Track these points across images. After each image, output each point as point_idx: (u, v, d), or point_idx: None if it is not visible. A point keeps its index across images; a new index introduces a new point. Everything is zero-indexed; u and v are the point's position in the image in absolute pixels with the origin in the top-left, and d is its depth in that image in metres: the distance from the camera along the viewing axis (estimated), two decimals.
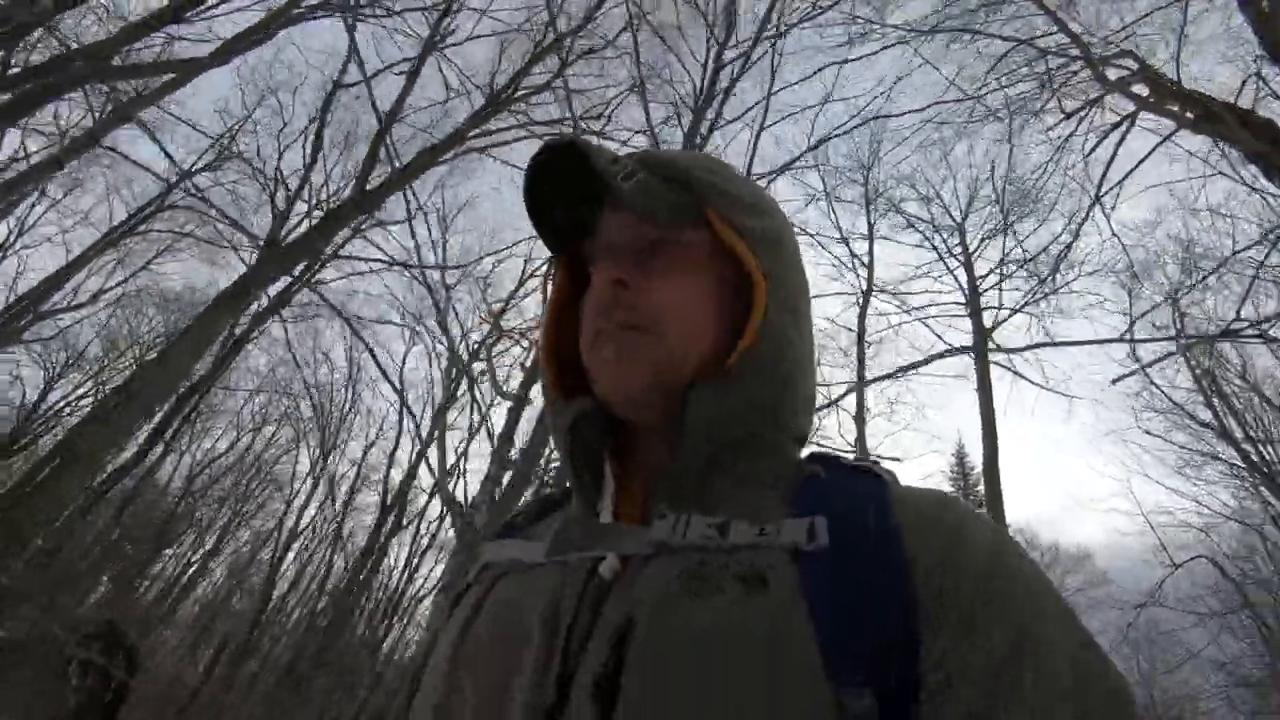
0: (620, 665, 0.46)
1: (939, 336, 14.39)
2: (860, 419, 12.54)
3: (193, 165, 13.91)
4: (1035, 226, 13.56)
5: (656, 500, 0.57)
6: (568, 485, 0.69)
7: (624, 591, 0.50)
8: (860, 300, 13.80)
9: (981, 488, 13.30)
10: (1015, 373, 13.54)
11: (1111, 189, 9.36)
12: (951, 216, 15.50)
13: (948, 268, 15.00)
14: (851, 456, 0.66)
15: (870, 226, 14.27)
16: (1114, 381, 10.46)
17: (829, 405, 11.39)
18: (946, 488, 16.47)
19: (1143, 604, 13.65)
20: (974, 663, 0.44)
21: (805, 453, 0.65)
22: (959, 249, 15.07)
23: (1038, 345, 13.05)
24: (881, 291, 14.12)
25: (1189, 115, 7.63)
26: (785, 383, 0.62)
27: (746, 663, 0.44)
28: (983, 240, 14.92)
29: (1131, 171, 9.18)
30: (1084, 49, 8.63)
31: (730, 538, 0.51)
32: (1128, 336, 10.44)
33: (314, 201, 13.55)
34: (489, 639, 0.55)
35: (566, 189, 0.66)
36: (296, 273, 11.82)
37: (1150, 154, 8.82)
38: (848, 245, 14.40)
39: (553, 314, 0.71)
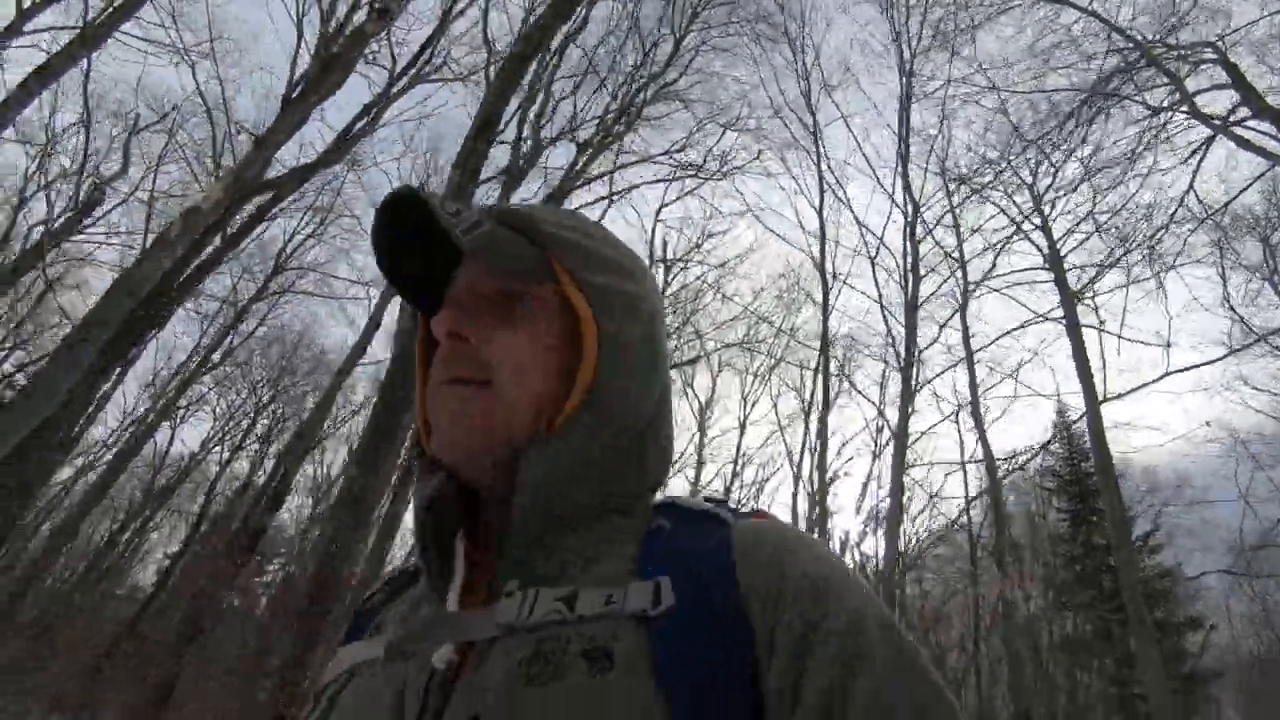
0: None
1: (1023, 305, 14.38)
2: (977, 418, 12.70)
3: None
4: (1113, 184, 13.13)
5: (502, 576, 0.54)
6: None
7: (469, 684, 0.48)
8: (960, 298, 13.79)
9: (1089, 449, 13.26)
10: (1112, 334, 13.26)
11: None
12: (1020, 177, 15.07)
13: (1023, 232, 14.77)
14: (701, 498, 0.63)
15: (955, 218, 14.25)
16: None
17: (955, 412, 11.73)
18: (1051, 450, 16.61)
19: (1260, 546, 13.47)
20: (809, 688, 0.45)
21: (658, 501, 0.64)
22: (1033, 213, 14.78)
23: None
24: (975, 286, 14.05)
25: None
26: (618, 439, 0.60)
27: None
28: (1056, 200, 14.50)
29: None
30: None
31: (578, 609, 0.49)
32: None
33: None
34: None
35: (423, 243, 0.65)
36: None
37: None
38: (944, 252, 14.29)
39: (423, 374, 0.68)
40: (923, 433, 15.05)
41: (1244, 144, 8.54)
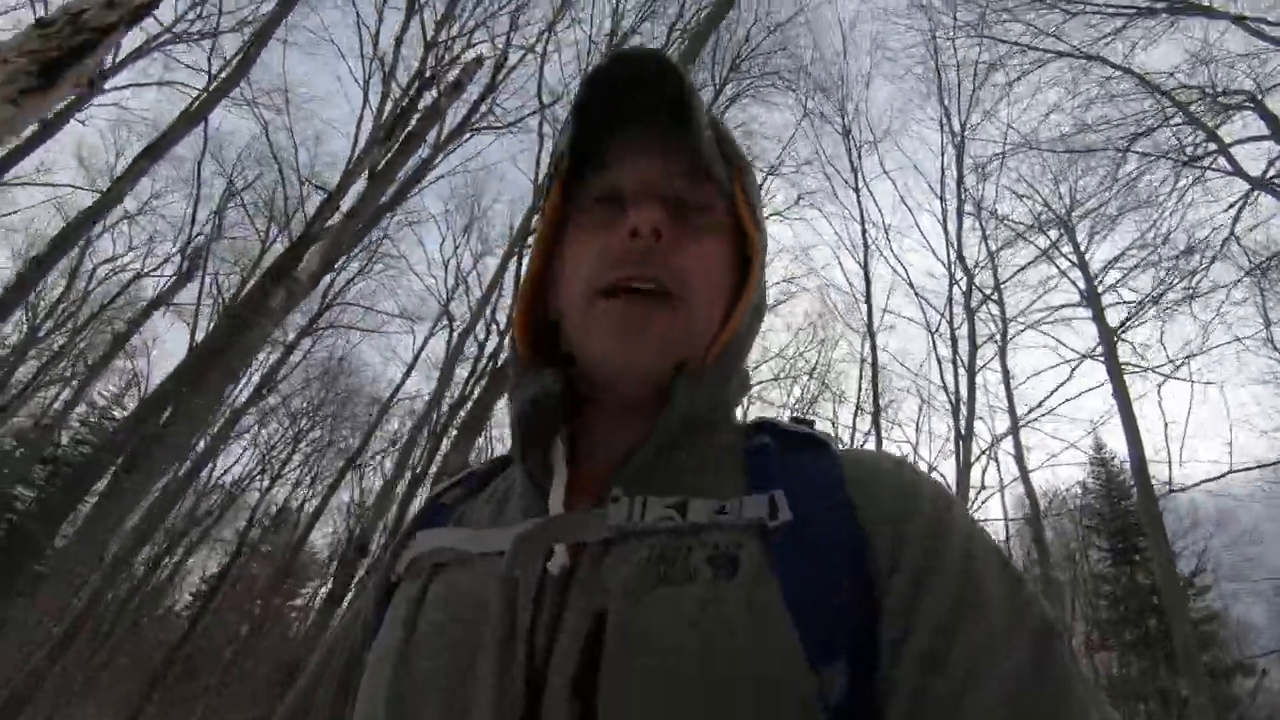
0: (595, 663, 0.43)
1: (1060, 342, 14.41)
2: (1021, 461, 12.73)
3: None
4: (1152, 225, 13.17)
5: (613, 482, 0.53)
6: (496, 457, 0.67)
7: (588, 583, 0.48)
8: (999, 339, 13.90)
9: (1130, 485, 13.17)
10: (1154, 371, 13.20)
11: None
12: (1053, 211, 15.16)
13: (1059, 269, 14.85)
14: (788, 417, 0.62)
15: (992, 256, 14.46)
16: None
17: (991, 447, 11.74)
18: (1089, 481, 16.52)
19: None
20: (924, 612, 0.45)
21: (750, 419, 0.64)
22: (1069, 250, 14.85)
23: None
24: (1012, 320, 14.15)
25: None
26: (743, 364, 0.63)
27: (728, 651, 0.43)
28: (1092, 236, 14.56)
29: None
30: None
31: (690, 517, 0.49)
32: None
33: None
34: (438, 642, 0.50)
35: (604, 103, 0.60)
36: None
37: None
38: (979, 292, 14.42)
39: (542, 252, 0.64)
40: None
41: None
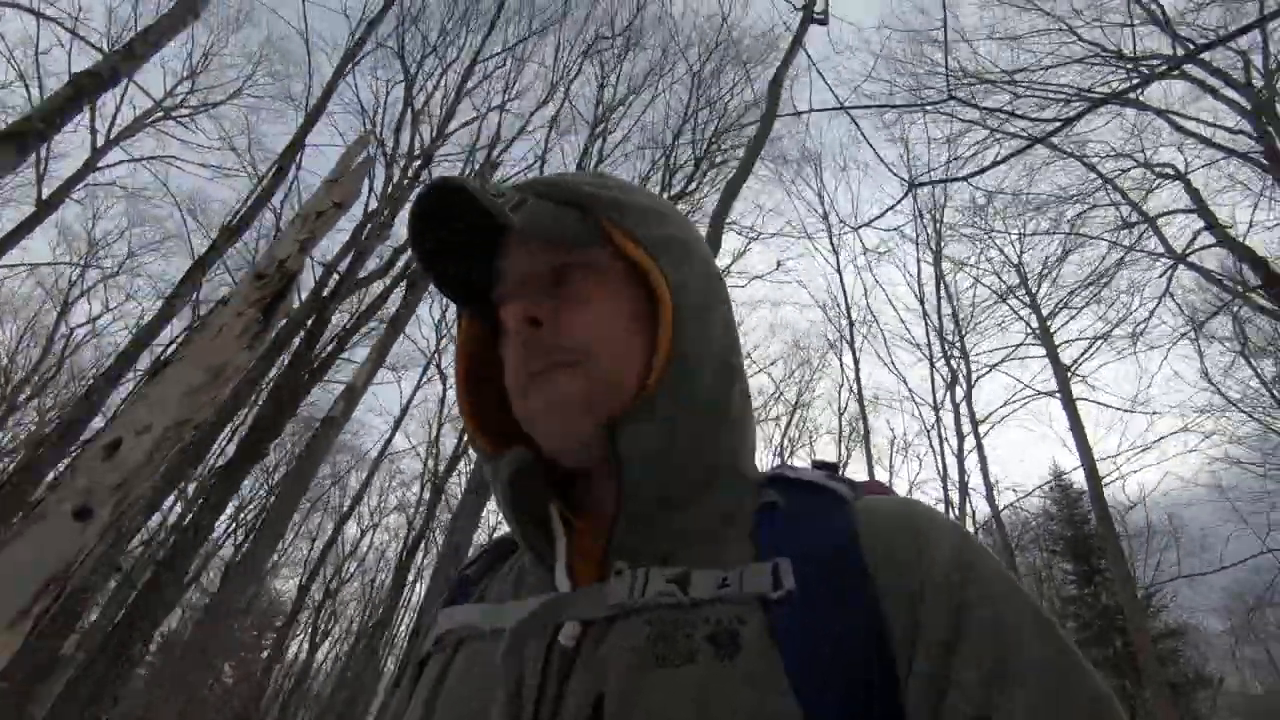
0: None
1: (1021, 382, 15.58)
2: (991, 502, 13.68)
3: None
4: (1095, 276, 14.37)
5: (612, 555, 0.53)
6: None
7: (589, 660, 0.48)
8: (965, 385, 14.96)
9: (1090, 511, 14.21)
10: (1108, 406, 14.36)
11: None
12: (1004, 254, 16.35)
13: (1013, 310, 16.02)
14: (809, 465, 0.62)
15: (953, 306, 15.60)
16: None
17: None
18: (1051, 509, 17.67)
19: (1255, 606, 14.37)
20: (956, 684, 0.43)
21: (764, 471, 0.62)
22: (1021, 291, 16.04)
23: None
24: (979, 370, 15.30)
25: None
26: (714, 387, 0.59)
27: None
28: (1043, 274, 15.71)
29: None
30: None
31: (691, 591, 0.49)
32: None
33: None
34: (454, 713, 0.52)
35: (460, 236, 0.62)
36: None
37: None
38: (942, 337, 15.64)
39: (463, 370, 0.67)
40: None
41: (1206, 274, 9.56)
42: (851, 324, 16.03)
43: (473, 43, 13.00)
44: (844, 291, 16.24)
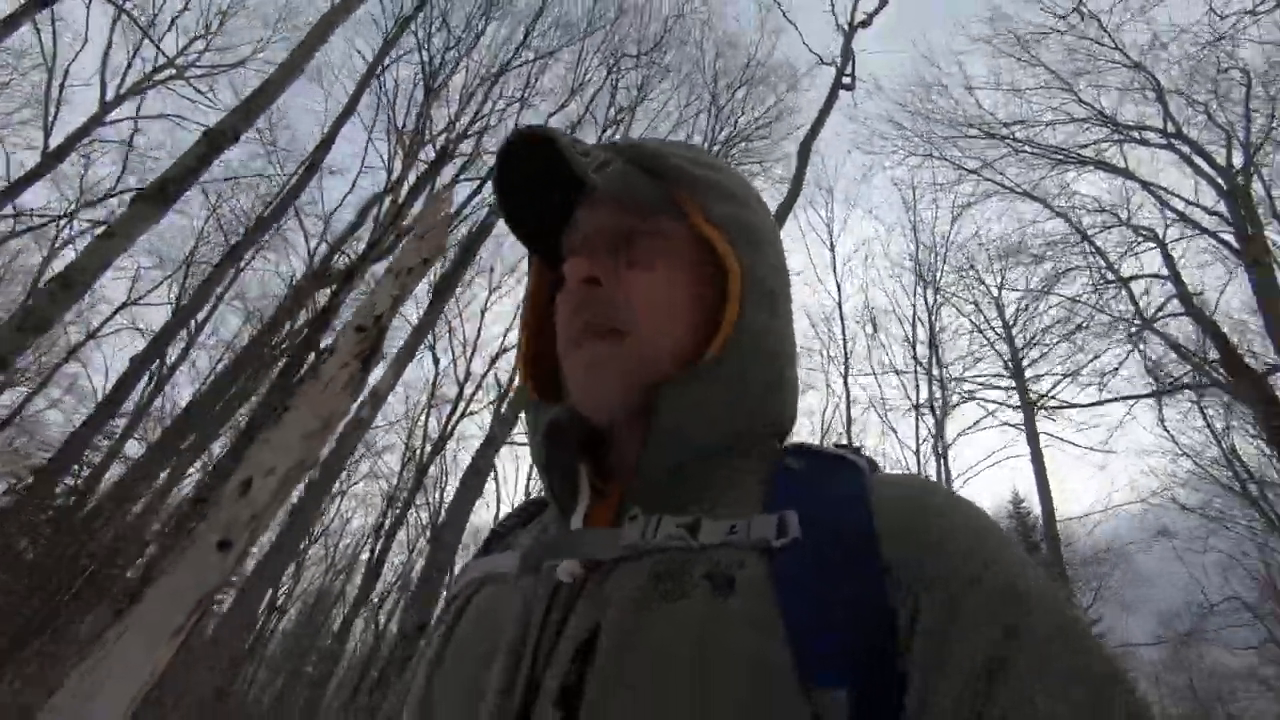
0: (585, 672, 0.45)
1: (989, 412, 16.36)
2: None
3: None
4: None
5: (628, 502, 0.55)
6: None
7: (592, 597, 0.49)
8: (939, 412, 15.70)
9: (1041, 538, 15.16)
10: (1064, 440, 15.21)
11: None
12: (986, 286, 17.05)
13: (986, 340, 16.75)
14: (833, 444, 0.61)
15: (933, 340, 16.33)
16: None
17: None
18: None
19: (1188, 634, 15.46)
20: (959, 656, 0.41)
21: (788, 444, 0.63)
22: (997, 322, 16.77)
23: None
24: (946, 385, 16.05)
25: None
26: (760, 377, 0.60)
27: (713, 667, 0.42)
28: (1018, 311, 16.45)
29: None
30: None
31: (700, 537, 0.50)
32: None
33: None
34: (465, 648, 0.55)
35: (540, 180, 0.64)
36: None
37: None
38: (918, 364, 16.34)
39: (531, 314, 0.70)
40: None
41: (1170, 342, 10.07)
42: (848, 357, 16.62)
43: (497, 39, 13.22)
44: (842, 320, 16.70)
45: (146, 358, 8.30)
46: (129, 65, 13.94)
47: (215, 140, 3.58)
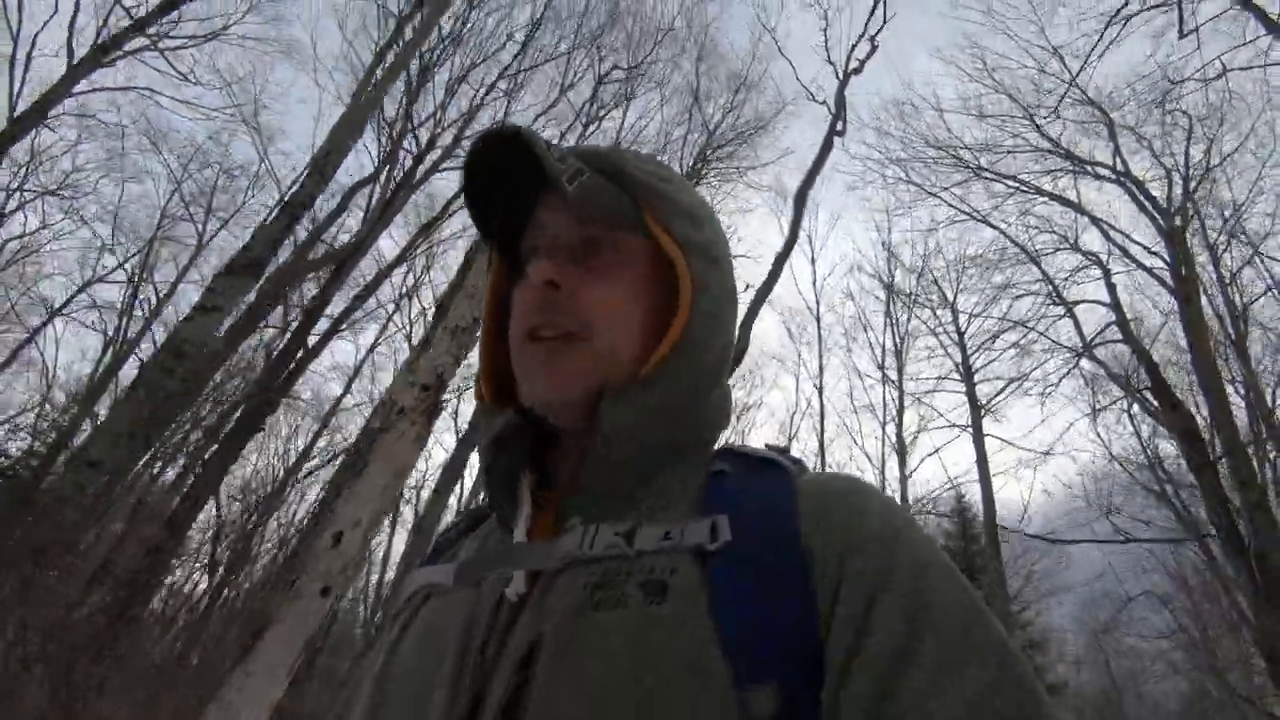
0: (527, 684, 0.46)
1: (941, 414, 17.37)
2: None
3: None
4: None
5: (568, 512, 0.57)
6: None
7: (534, 609, 0.51)
8: (896, 417, 16.63)
9: (981, 535, 16.30)
10: (1007, 442, 16.30)
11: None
12: (941, 291, 17.92)
13: (941, 344, 17.69)
14: (764, 446, 0.64)
15: (900, 346, 17.22)
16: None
17: None
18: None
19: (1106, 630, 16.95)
20: (876, 635, 0.44)
21: (719, 447, 0.65)
22: (951, 327, 17.70)
23: None
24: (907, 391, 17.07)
25: None
26: (699, 388, 0.62)
27: (649, 675, 0.44)
28: (971, 317, 17.37)
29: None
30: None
31: (637, 544, 0.51)
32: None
33: None
34: (410, 661, 0.55)
35: (504, 175, 0.64)
36: None
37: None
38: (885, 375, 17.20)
39: (492, 305, 0.71)
40: None
41: (1105, 369, 10.90)
42: (822, 371, 17.29)
43: (482, 32, 13.22)
44: (819, 331, 17.48)
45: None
46: (98, 35, 13.39)
47: (293, 210, 3.81)
